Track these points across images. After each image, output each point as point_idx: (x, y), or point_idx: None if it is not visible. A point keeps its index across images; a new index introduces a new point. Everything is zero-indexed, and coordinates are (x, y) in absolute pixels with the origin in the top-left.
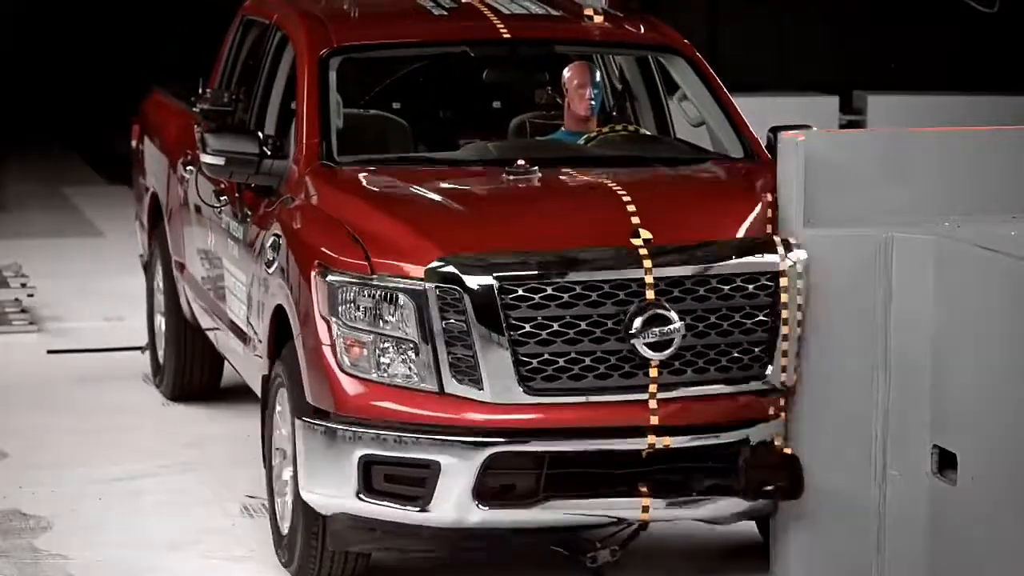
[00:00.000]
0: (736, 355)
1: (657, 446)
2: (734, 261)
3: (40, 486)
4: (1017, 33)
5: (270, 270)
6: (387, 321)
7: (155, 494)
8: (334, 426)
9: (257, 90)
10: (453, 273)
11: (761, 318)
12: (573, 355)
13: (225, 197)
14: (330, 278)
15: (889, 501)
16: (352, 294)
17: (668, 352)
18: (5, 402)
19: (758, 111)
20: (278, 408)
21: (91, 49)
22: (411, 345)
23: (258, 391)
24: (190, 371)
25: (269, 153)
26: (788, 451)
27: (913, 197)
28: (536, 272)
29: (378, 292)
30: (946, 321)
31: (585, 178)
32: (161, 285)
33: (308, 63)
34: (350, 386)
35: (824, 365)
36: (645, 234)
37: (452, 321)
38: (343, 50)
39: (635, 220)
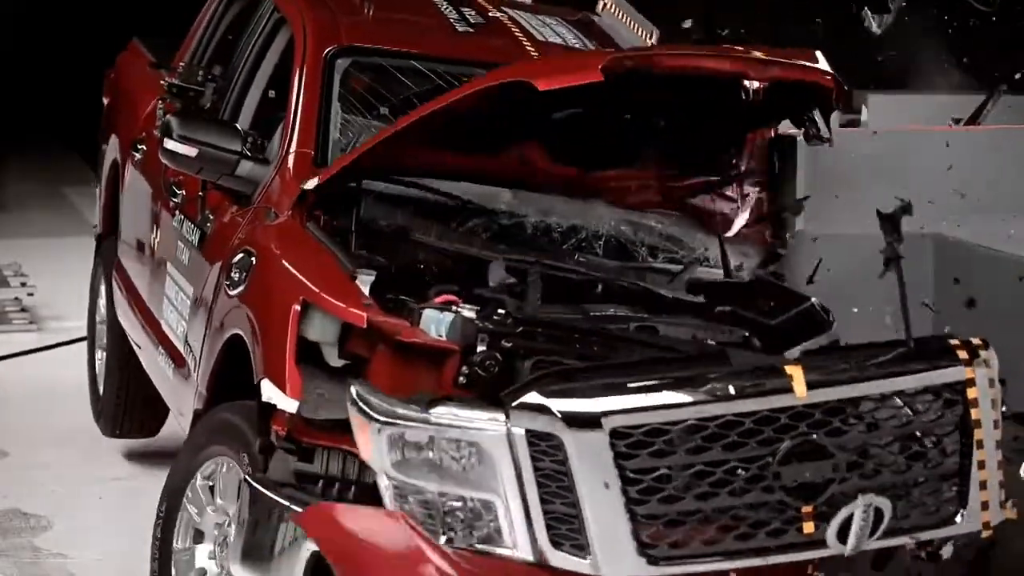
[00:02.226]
0: (916, 496)
1: None
2: (909, 376)
3: (40, 486)
4: (1017, 33)
5: (232, 292)
6: (456, 475)
7: (155, 494)
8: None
9: (238, 76)
10: (548, 413)
11: (946, 444)
12: (706, 513)
13: (183, 192)
14: (384, 431)
15: None
16: (406, 443)
17: (824, 499)
18: (5, 402)
19: None
20: (200, 480)
21: (92, 49)
22: (492, 505)
23: (185, 426)
24: (133, 405)
25: (250, 154)
26: None
27: (913, 197)
28: (658, 408)
29: (442, 441)
30: (945, 321)
31: None
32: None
33: (311, 59)
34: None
35: None
36: None
37: (548, 472)
38: (354, 51)
39: None
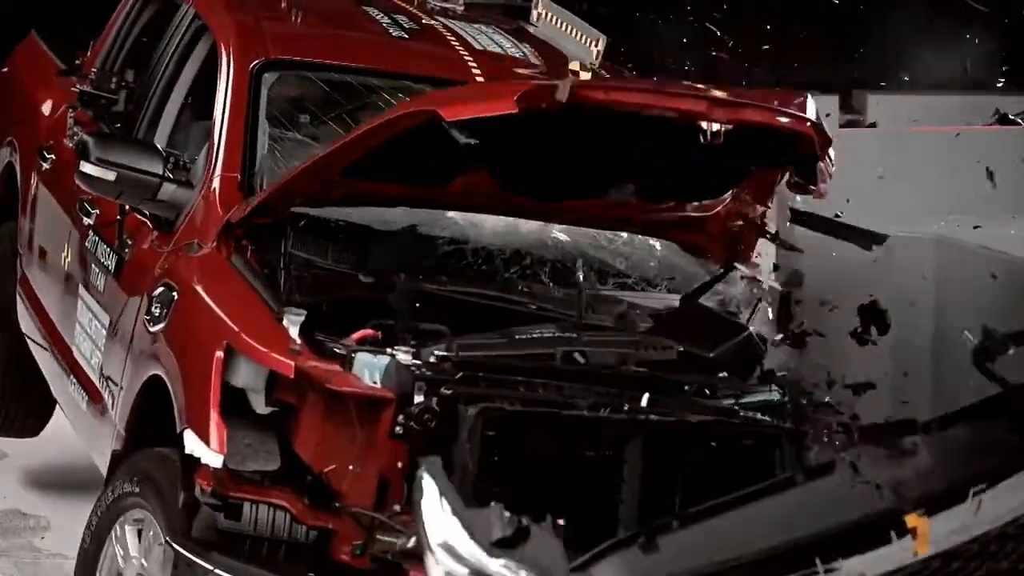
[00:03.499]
0: None
1: None
2: None
3: (40, 486)
4: (1017, 33)
5: (152, 328)
6: None
7: None
8: None
9: (155, 86)
10: None
11: None
12: None
13: (96, 211)
14: (442, 564)
15: None
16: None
17: None
18: None
19: None
20: (117, 533)
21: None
22: None
23: (102, 465)
24: (19, 404)
25: (172, 176)
26: None
27: (913, 197)
28: None
29: None
30: (946, 321)
31: None
32: None
33: (236, 73)
34: None
35: None
36: None
37: None
38: (282, 64)
39: None
